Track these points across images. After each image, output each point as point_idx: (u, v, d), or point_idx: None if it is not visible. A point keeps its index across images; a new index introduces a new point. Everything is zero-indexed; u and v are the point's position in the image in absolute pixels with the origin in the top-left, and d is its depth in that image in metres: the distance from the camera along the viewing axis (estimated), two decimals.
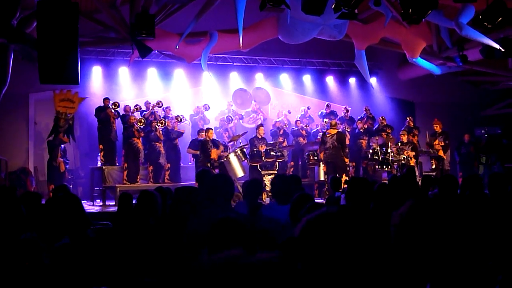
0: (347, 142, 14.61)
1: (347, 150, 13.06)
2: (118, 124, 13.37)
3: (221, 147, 12.34)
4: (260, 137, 12.92)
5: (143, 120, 13.26)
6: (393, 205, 4.80)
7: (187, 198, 4.60)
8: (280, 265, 1.35)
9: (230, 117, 15.06)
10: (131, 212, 5.23)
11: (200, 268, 1.34)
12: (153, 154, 13.00)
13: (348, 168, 13.48)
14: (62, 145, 12.32)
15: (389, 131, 13.96)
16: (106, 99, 13.28)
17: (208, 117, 15.10)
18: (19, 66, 11.40)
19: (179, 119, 13.87)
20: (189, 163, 14.10)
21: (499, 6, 9.49)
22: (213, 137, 12.54)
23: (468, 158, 15.55)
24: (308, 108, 16.15)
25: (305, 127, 14.85)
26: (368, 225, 1.69)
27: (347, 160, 13.07)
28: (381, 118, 14.77)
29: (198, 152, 12.32)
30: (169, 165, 13.27)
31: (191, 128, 14.71)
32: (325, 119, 15.17)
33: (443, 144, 13.68)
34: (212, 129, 12.69)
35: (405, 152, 12.70)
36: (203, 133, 12.56)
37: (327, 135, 12.60)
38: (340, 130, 13.39)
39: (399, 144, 13.01)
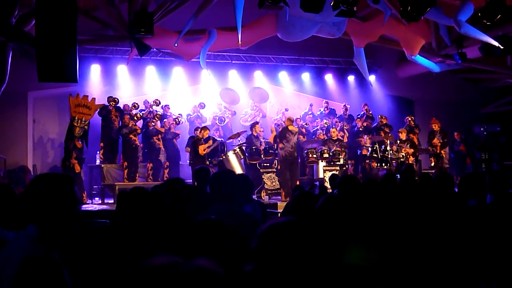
0: (345, 140, 14.62)
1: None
2: (120, 122, 13.36)
3: (209, 142, 12.24)
4: (256, 134, 12.90)
5: (139, 115, 13.23)
6: (390, 202, 4.81)
7: (185, 196, 4.59)
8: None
9: (223, 118, 15.08)
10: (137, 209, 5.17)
11: None
12: (154, 152, 12.97)
13: (347, 166, 13.48)
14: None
15: (387, 130, 13.93)
16: (110, 98, 13.28)
17: (205, 115, 15.11)
18: (18, 64, 11.37)
19: (177, 121, 13.85)
20: (187, 161, 14.11)
21: (498, 4, 9.49)
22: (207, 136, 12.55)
23: (460, 156, 15.58)
24: (311, 105, 16.17)
25: (305, 125, 14.83)
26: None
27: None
28: (380, 117, 14.75)
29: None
30: (168, 163, 13.26)
31: (188, 127, 14.70)
32: (325, 120, 15.08)
33: (441, 141, 13.70)
34: (207, 128, 12.64)
35: (403, 150, 12.71)
36: (197, 132, 12.51)
37: (292, 133, 12.24)
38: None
39: (398, 142, 13.02)
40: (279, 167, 12.36)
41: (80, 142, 11.88)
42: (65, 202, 2.43)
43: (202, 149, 11.90)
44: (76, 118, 11.76)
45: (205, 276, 1.24)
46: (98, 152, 13.21)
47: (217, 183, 4.04)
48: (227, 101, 16.03)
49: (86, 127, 11.97)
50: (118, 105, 13.40)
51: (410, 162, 12.50)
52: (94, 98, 12.18)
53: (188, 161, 12.63)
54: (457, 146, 15.60)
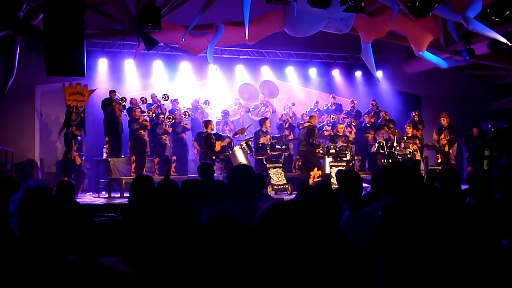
0: (353, 135, 14.60)
1: (314, 142, 12.59)
2: (124, 116, 13.39)
3: (227, 139, 12.35)
4: (265, 130, 12.90)
5: (151, 113, 13.29)
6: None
7: (194, 191, 4.61)
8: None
9: (227, 110, 15.06)
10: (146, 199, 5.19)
11: None
12: (160, 147, 13.00)
13: (353, 162, 13.46)
14: (79, 137, 12.42)
15: (391, 126, 13.87)
16: (112, 92, 13.30)
17: (213, 110, 15.08)
18: (26, 58, 11.41)
19: (187, 115, 13.88)
20: (195, 156, 14.11)
21: (507, 0, 9.43)
22: (215, 130, 12.62)
23: (477, 152, 15.46)
24: (317, 102, 16.13)
25: None
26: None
27: (319, 152, 12.80)
28: (383, 113, 14.68)
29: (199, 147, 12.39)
30: (175, 157, 13.28)
31: (190, 122, 14.68)
32: (332, 116, 15.08)
33: (448, 138, 13.64)
34: (211, 121, 12.69)
35: (410, 146, 12.69)
36: (205, 126, 12.51)
37: (300, 128, 12.61)
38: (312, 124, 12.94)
39: (404, 137, 12.99)
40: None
41: (78, 130, 12.12)
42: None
43: (220, 145, 11.97)
44: (72, 105, 12.03)
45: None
46: (104, 146, 13.27)
47: (235, 177, 4.04)
48: (245, 97, 16.02)
49: (82, 114, 12.28)
50: (124, 103, 13.44)
51: (417, 158, 12.48)
52: (86, 85, 12.36)
53: (198, 156, 12.66)
54: (476, 142, 15.46)
